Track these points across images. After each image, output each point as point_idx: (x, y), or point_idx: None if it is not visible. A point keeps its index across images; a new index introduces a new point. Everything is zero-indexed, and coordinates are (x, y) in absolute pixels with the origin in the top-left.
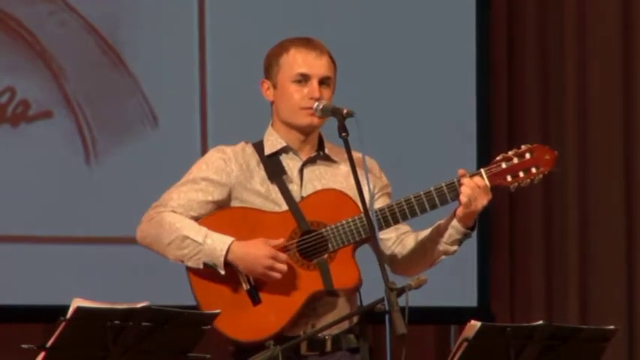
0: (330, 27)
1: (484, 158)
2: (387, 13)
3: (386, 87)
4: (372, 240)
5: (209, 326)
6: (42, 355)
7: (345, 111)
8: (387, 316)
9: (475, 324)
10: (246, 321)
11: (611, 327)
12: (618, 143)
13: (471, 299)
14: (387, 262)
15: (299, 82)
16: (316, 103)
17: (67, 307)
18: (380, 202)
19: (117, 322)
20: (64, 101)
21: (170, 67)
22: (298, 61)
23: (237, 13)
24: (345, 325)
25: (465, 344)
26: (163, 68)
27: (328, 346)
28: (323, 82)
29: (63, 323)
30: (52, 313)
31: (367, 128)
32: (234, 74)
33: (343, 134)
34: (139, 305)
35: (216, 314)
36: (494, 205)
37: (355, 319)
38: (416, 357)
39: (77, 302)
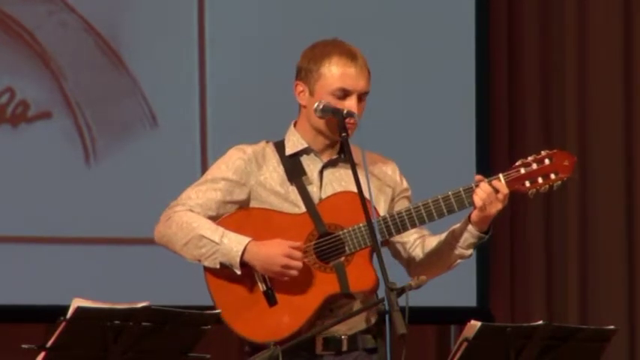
0: (329, 27)
1: (484, 159)
2: (387, 13)
3: (386, 87)
4: (372, 240)
5: (209, 326)
6: (42, 355)
7: (345, 111)
8: (387, 316)
9: (475, 324)
10: (261, 322)
11: (611, 327)
12: (619, 143)
13: (470, 299)
14: (405, 264)
15: (338, 96)
16: (316, 103)
17: (67, 307)
18: (399, 206)
19: (117, 322)
20: (63, 101)
21: (169, 67)
22: (340, 75)
23: (236, 13)
24: (362, 325)
25: (465, 344)
26: (163, 68)
27: (344, 346)
28: (360, 96)
29: (63, 323)
30: (52, 313)
31: (367, 128)
32: (234, 74)
33: (343, 134)
34: (139, 305)
35: (217, 314)
36: None
37: (373, 319)
38: (416, 357)
39: (77, 302)
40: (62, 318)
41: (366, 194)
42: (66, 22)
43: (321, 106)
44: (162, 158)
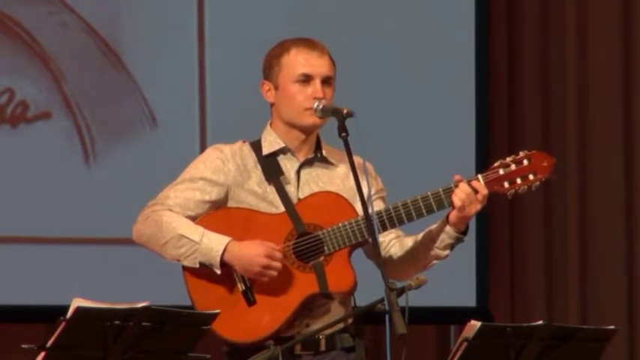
0: (329, 27)
1: (483, 159)
2: (387, 13)
3: (386, 87)
4: (372, 241)
5: (209, 326)
6: (42, 355)
7: (345, 111)
8: (387, 316)
9: (475, 324)
10: (240, 322)
11: (611, 327)
12: (618, 144)
13: (470, 299)
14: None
15: (301, 82)
16: (316, 103)
17: (67, 307)
18: (375, 206)
19: (117, 322)
20: (63, 102)
21: (169, 67)
22: (300, 61)
23: (236, 13)
24: (340, 324)
25: (465, 344)
26: (162, 68)
27: (322, 346)
28: (325, 81)
29: (63, 323)
30: (52, 313)
31: (367, 129)
32: (234, 74)
33: (343, 134)
34: (139, 305)
35: (216, 314)
36: (494, 204)
37: (350, 319)
38: (416, 357)
39: (77, 302)
40: (62, 318)
41: (365, 195)
42: (66, 22)
43: (320, 107)
44: (162, 158)
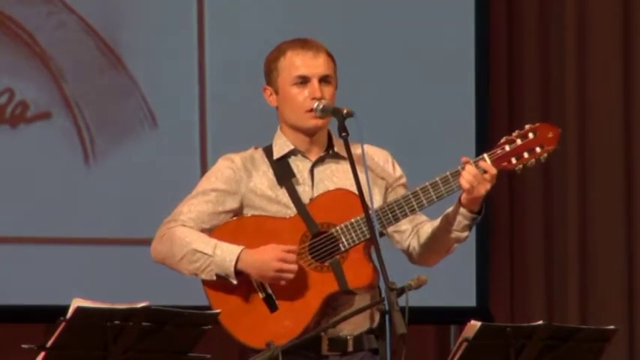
0: (330, 27)
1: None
2: (387, 12)
3: (386, 86)
4: (373, 240)
5: (209, 326)
6: (42, 355)
7: (345, 111)
8: (387, 316)
9: (475, 324)
10: (264, 328)
11: (611, 327)
12: (618, 143)
13: (470, 299)
14: (405, 253)
15: (299, 84)
16: (316, 104)
17: (67, 307)
18: (395, 194)
19: (117, 322)
20: (62, 102)
21: (169, 67)
22: (296, 63)
23: (236, 14)
24: (367, 325)
25: (465, 344)
26: (162, 69)
27: (350, 347)
28: (323, 80)
29: (63, 323)
30: (52, 313)
31: (367, 128)
32: (234, 75)
33: (343, 134)
34: (139, 305)
35: (217, 314)
36: (494, 204)
37: (377, 320)
38: (416, 357)
39: (77, 302)
40: (62, 318)
41: (365, 189)
42: (65, 22)
43: (320, 107)
44: (162, 158)
